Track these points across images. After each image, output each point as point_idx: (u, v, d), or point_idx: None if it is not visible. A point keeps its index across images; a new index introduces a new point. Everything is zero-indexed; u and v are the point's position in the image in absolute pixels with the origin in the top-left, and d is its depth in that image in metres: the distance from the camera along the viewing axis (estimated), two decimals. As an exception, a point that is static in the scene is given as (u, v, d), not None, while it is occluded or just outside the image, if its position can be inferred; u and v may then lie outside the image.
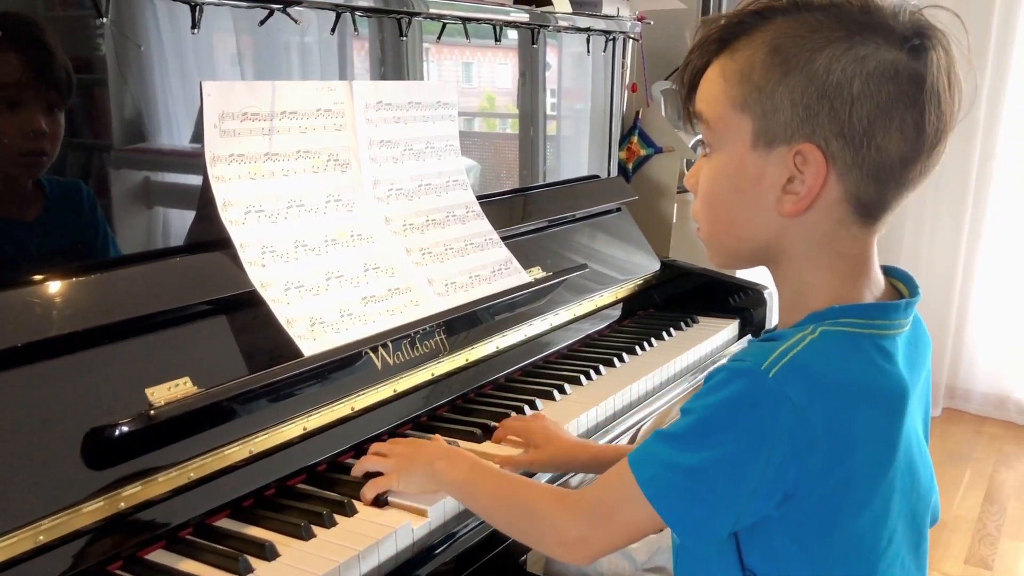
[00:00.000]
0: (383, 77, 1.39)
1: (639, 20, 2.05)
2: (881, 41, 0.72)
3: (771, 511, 0.75)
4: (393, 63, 1.41)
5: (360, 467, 1.09)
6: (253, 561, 0.91)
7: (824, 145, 0.73)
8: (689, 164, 2.29)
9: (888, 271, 0.84)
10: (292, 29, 1.22)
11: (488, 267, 1.44)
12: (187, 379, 1.01)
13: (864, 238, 0.79)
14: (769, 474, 0.73)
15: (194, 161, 1.12)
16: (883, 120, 0.72)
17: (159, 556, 0.94)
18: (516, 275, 1.47)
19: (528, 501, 0.92)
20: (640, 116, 2.23)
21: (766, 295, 1.85)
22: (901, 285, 0.84)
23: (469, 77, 1.64)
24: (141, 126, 1.08)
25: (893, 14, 0.73)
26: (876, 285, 0.81)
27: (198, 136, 1.12)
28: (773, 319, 1.89)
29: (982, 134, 3.24)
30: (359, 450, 1.18)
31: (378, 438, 1.21)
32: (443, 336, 1.34)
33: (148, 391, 0.97)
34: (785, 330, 0.79)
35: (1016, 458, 3.10)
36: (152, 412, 0.94)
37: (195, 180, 1.13)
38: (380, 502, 1.03)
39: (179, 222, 1.14)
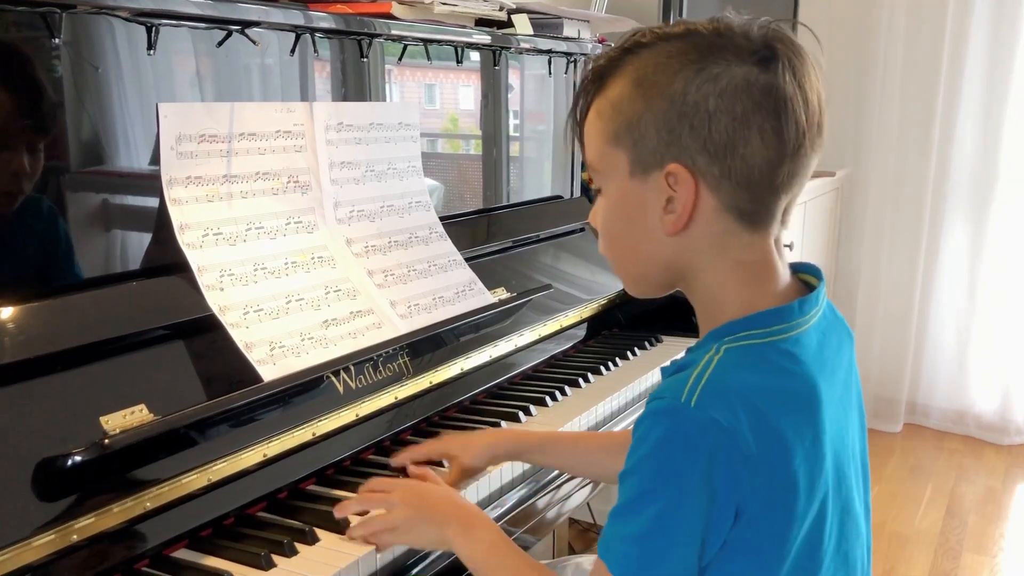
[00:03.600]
0: (344, 99, 1.38)
1: (600, 42, 2.07)
2: (732, 58, 0.76)
3: (727, 535, 0.75)
4: (355, 85, 1.40)
5: (356, 505, 1.03)
6: (212, 593, 0.89)
7: (691, 163, 0.77)
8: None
9: (798, 268, 0.86)
10: (251, 51, 1.21)
11: (452, 288, 1.43)
12: (143, 406, 0.99)
13: (759, 244, 0.81)
14: (716, 500, 0.73)
15: (152, 184, 1.10)
16: (742, 131, 0.76)
17: (113, 590, 0.91)
18: (480, 296, 1.46)
19: None
20: (602, 137, 2.24)
21: (729, 314, 1.85)
22: (812, 279, 0.86)
23: (432, 98, 1.63)
24: (98, 148, 1.06)
25: (743, 33, 0.78)
26: (781, 287, 0.83)
27: (156, 158, 1.10)
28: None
29: (936, 154, 3.30)
30: (320, 476, 1.17)
31: (340, 463, 1.19)
32: (407, 359, 1.32)
33: (103, 419, 0.95)
34: (688, 357, 0.81)
35: (975, 472, 3.14)
36: (106, 441, 0.91)
37: (154, 202, 1.11)
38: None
39: (136, 245, 1.12)
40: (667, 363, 0.90)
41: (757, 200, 0.79)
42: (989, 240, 3.30)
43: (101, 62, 1.05)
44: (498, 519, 1.15)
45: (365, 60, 1.39)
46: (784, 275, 0.83)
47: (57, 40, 0.98)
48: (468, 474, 1.16)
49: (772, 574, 0.77)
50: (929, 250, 3.38)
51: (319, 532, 1.01)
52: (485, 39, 1.63)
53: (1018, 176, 3.22)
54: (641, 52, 0.79)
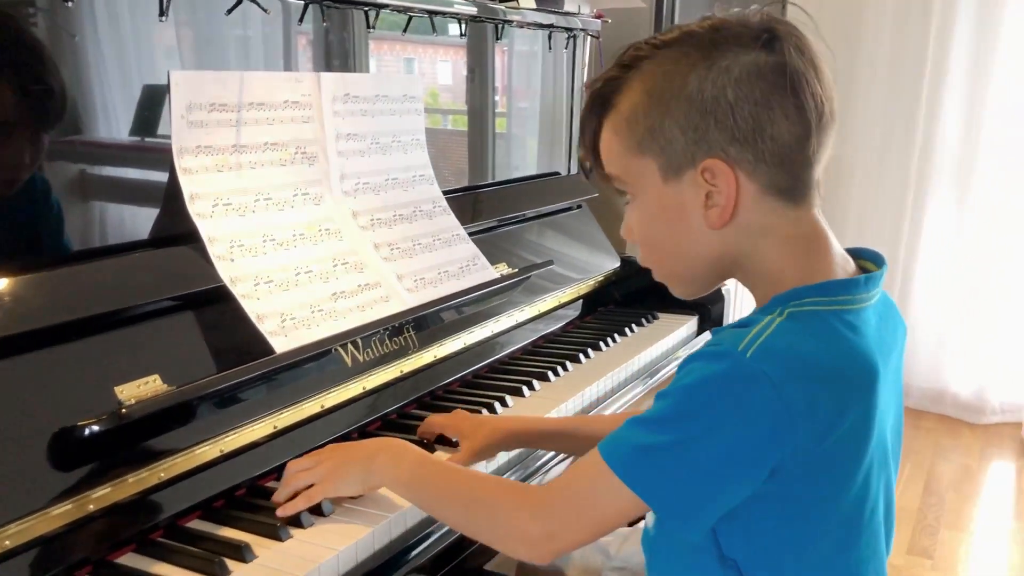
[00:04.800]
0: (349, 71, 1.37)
1: (598, 18, 2.06)
2: (737, 48, 0.78)
3: (756, 489, 0.76)
4: (359, 58, 1.39)
5: (286, 490, 1.00)
6: (230, 563, 0.89)
7: (724, 154, 0.78)
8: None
9: (857, 253, 0.87)
10: (234, 21, 1.17)
11: (456, 263, 1.43)
12: (156, 377, 0.98)
13: (804, 216, 0.82)
14: (753, 451, 0.74)
15: (161, 156, 1.09)
16: (766, 113, 0.77)
17: (130, 559, 0.91)
18: (484, 271, 1.46)
19: (485, 497, 0.90)
20: (598, 113, 2.24)
21: (723, 291, 1.87)
22: (870, 264, 0.87)
23: (436, 73, 1.62)
24: (109, 119, 1.05)
25: (740, 22, 0.80)
26: (839, 260, 0.84)
27: (159, 129, 1.08)
28: (731, 315, 1.91)
29: (921, 139, 3.33)
30: (329, 448, 1.16)
31: (347, 436, 1.19)
32: (412, 333, 1.32)
33: (117, 389, 0.94)
34: (752, 316, 0.81)
35: (952, 451, 3.20)
36: (123, 410, 0.91)
37: (162, 174, 1.09)
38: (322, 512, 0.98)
39: (144, 216, 1.10)
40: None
41: (794, 175, 0.80)
42: (970, 224, 3.33)
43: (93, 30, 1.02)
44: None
45: (372, 31, 1.38)
46: (839, 249, 0.84)
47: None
48: (480, 456, 1.14)
49: (805, 538, 0.78)
50: (911, 233, 3.42)
51: (333, 503, 1.01)
52: (490, 13, 1.62)
53: (999, 162, 3.25)
54: (642, 65, 0.81)
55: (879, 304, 0.84)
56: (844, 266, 0.83)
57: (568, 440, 1.17)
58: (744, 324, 0.79)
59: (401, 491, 0.97)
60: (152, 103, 1.09)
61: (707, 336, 1.81)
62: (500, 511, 0.88)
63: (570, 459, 1.29)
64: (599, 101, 0.84)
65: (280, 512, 0.97)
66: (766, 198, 0.80)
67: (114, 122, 1.06)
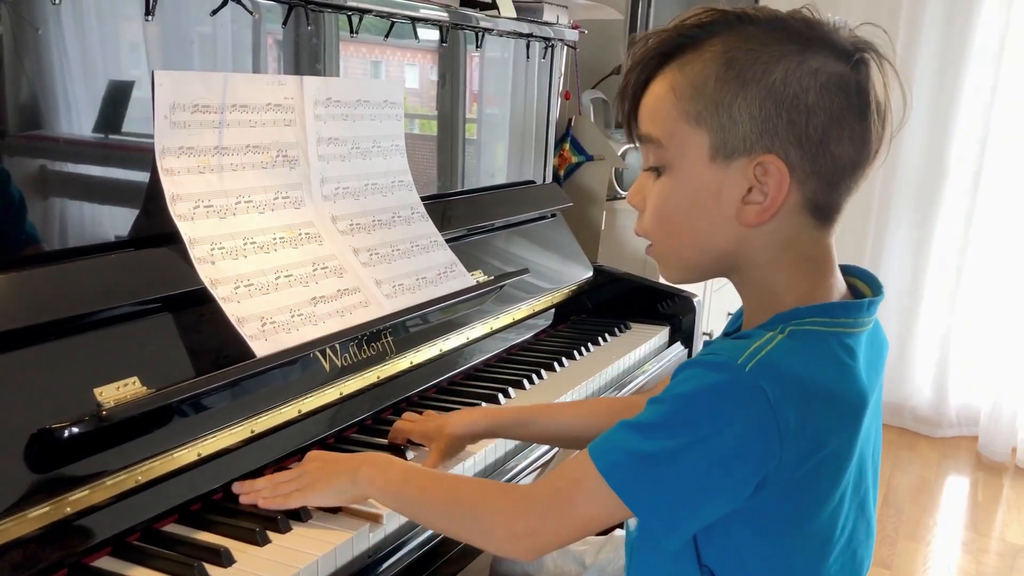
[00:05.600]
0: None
1: (573, 28, 2.08)
2: (829, 54, 0.76)
3: (742, 503, 0.76)
4: (330, 62, 1.39)
5: (259, 492, 1.00)
6: (208, 567, 0.88)
7: (784, 155, 0.76)
8: (618, 173, 2.33)
9: (848, 270, 0.87)
10: (210, 20, 1.15)
11: (434, 269, 1.43)
12: (136, 379, 0.97)
13: (823, 240, 0.82)
14: (742, 465, 0.74)
15: (143, 156, 1.08)
16: (836, 129, 0.76)
17: (106, 563, 0.90)
18: (462, 278, 1.46)
19: (471, 495, 0.90)
20: (573, 124, 2.26)
21: (695, 302, 1.89)
22: (861, 284, 0.87)
23: (411, 79, 1.62)
24: (93, 117, 1.04)
25: (835, 29, 0.77)
26: (839, 285, 0.84)
27: (142, 128, 1.08)
28: (702, 326, 1.94)
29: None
30: (305, 453, 1.16)
31: (324, 441, 1.19)
32: (389, 338, 1.32)
33: (96, 391, 0.93)
34: (753, 330, 0.80)
35: (910, 463, 3.26)
36: (103, 412, 0.90)
37: (143, 174, 1.09)
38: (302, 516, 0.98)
39: (123, 216, 1.09)
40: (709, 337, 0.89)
41: (835, 199, 0.79)
42: (933, 240, 3.40)
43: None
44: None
45: (355, 35, 1.38)
46: (839, 273, 0.84)
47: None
48: (448, 454, 1.15)
49: (780, 552, 0.79)
50: (874, 247, 3.48)
51: (312, 509, 1.00)
52: (469, 21, 1.63)
53: (964, 175, 3.32)
54: (723, 33, 0.77)
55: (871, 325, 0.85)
56: (839, 289, 0.83)
57: (527, 428, 1.16)
58: (743, 337, 0.79)
59: (387, 500, 0.97)
60: (135, 103, 1.08)
61: (678, 347, 1.83)
62: (484, 507, 0.87)
63: (552, 459, 1.30)
64: (664, 51, 0.79)
65: (261, 503, 0.97)
66: (802, 212, 0.79)
67: (96, 120, 1.05)
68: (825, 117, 0.75)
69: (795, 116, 0.75)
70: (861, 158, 0.78)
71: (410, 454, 1.16)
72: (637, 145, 0.85)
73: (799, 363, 0.76)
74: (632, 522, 0.91)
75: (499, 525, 0.85)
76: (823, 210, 0.79)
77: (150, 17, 1.05)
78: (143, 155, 1.08)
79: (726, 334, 0.89)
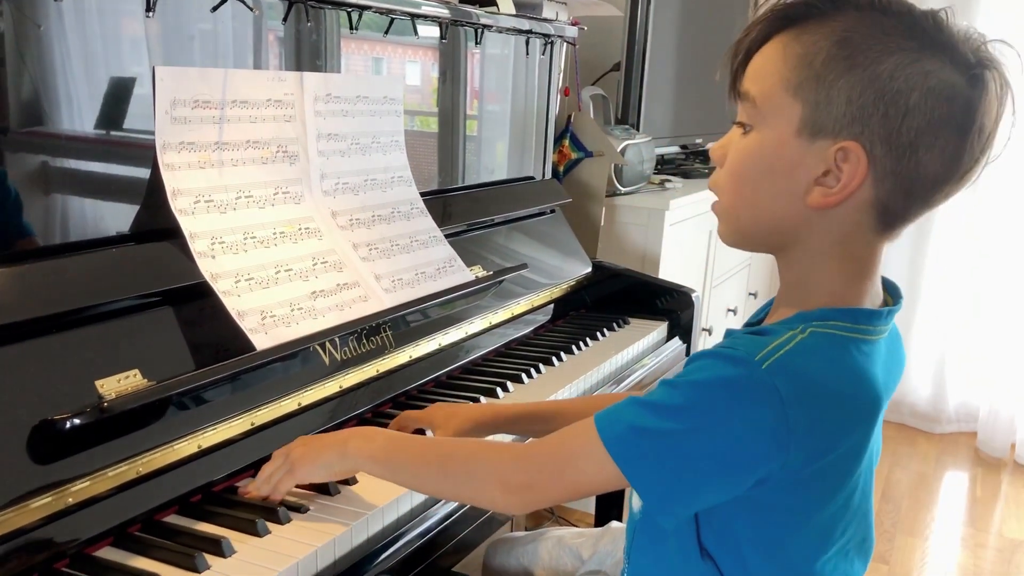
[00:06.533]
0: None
1: (573, 25, 2.08)
2: (947, 61, 0.74)
3: (742, 493, 0.77)
4: (332, 59, 1.40)
5: (261, 486, 1.00)
6: (208, 558, 0.89)
7: (869, 147, 0.75)
8: (618, 169, 2.34)
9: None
10: (210, 16, 1.16)
11: (433, 264, 1.44)
12: (137, 371, 0.98)
13: (877, 245, 0.81)
14: (745, 459, 0.74)
15: (143, 152, 1.09)
16: (929, 137, 0.74)
17: (108, 553, 0.91)
18: (460, 273, 1.47)
19: (465, 452, 0.90)
20: (572, 120, 2.27)
21: (693, 298, 1.90)
22: (886, 294, 0.86)
23: (408, 75, 1.63)
24: (94, 113, 1.05)
25: (963, 38, 0.75)
26: (876, 293, 0.83)
27: (142, 123, 1.09)
28: (701, 322, 1.94)
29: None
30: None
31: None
32: (389, 332, 1.33)
33: (98, 383, 0.94)
34: (774, 326, 0.80)
35: (909, 458, 3.27)
36: (105, 404, 0.91)
37: (144, 170, 1.10)
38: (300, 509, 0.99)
39: (125, 211, 1.10)
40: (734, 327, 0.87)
41: (908, 208, 0.78)
42: (931, 236, 3.41)
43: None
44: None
45: (354, 32, 1.39)
46: (879, 283, 0.84)
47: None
48: None
49: (777, 544, 0.80)
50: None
51: (310, 503, 1.01)
52: (469, 18, 1.64)
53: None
54: (848, 11, 0.76)
55: (889, 335, 0.84)
56: (873, 299, 0.83)
57: (540, 423, 1.16)
58: (763, 332, 0.79)
59: (377, 469, 0.96)
60: (136, 99, 1.09)
61: (676, 342, 1.84)
62: (480, 461, 0.88)
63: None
64: (789, 15, 0.78)
65: (244, 489, 0.99)
66: (869, 211, 0.78)
67: (98, 116, 1.06)
68: (922, 121, 0.73)
69: (892, 111, 0.73)
70: (948, 174, 0.76)
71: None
72: (732, 100, 0.84)
73: (816, 365, 0.76)
74: (636, 504, 0.91)
75: (494, 477, 0.86)
76: (891, 215, 0.79)
77: (151, 13, 1.06)
78: (144, 151, 1.09)
79: (748, 324, 0.90)
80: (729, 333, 0.84)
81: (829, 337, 0.78)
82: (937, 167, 0.76)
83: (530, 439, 1.10)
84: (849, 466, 0.80)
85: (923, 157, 0.75)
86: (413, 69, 1.62)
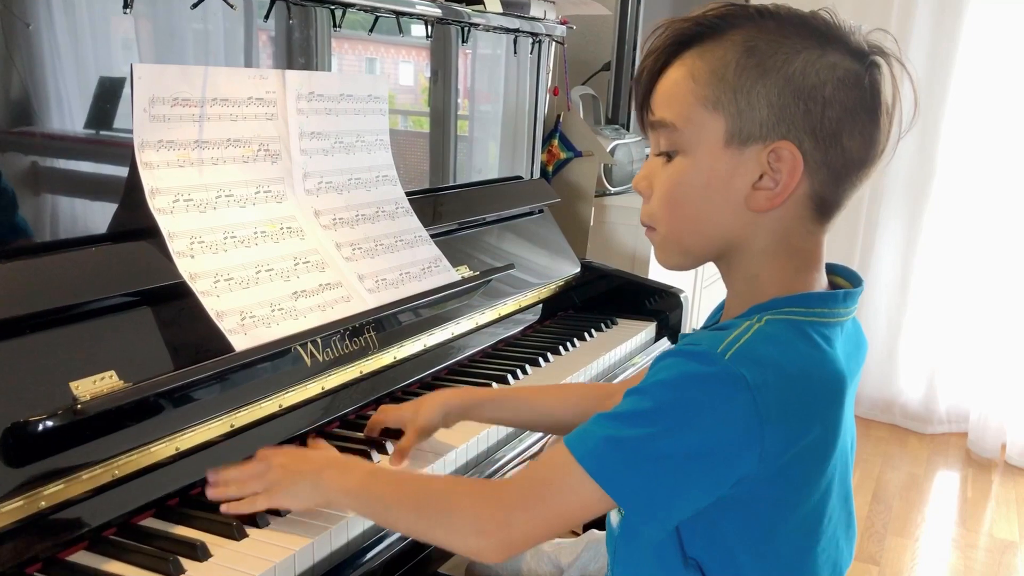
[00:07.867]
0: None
1: (562, 24, 2.08)
2: (845, 52, 0.78)
3: (725, 491, 0.76)
4: (321, 57, 1.38)
5: (227, 487, 0.96)
6: (184, 562, 0.88)
7: (798, 143, 0.77)
8: (607, 169, 2.33)
9: (830, 269, 0.88)
10: (195, 15, 1.15)
11: (418, 264, 1.43)
12: (113, 373, 0.97)
13: (817, 235, 0.83)
14: (723, 451, 0.74)
15: (121, 150, 1.07)
16: (849, 123, 0.78)
17: (81, 557, 0.89)
18: (446, 273, 1.46)
19: (438, 492, 0.86)
20: (561, 120, 2.26)
21: (682, 298, 1.89)
22: (842, 281, 0.88)
23: (398, 74, 1.62)
24: (79, 112, 1.03)
25: (851, 30, 0.80)
26: (821, 281, 0.85)
27: (119, 122, 1.07)
28: (689, 322, 1.94)
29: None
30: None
31: (305, 436, 1.18)
32: (372, 333, 1.32)
33: (72, 385, 0.93)
34: (731, 320, 0.81)
35: (900, 459, 3.26)
36: (79, 406, 0.89)
37: (122, 168, 1.08)
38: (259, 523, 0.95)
39: (103, 210, 1.09)
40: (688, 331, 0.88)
41: (839, 195, 0.81)
42: (923, 236, 3.40)
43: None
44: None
45: (338, 29, 1.37)
46: (823, 270, 0.85)
47: None
48: (423, 435, 1.13)
49: (767, 540, 0.80)
50: (864, 245, 3.48)
51: (290, 503, 1.00)
52: (455, 16, 1.63)
53: (953, 173, 3.33)
54: (744, 24, 0.79)
55: (849, 323, 0.85)
56: (821, 285, 0.85)
57: (503, 410, 1.15)
58: (721, 328, 0.80)
59: (351, 503, 0.93)
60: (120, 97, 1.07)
61: (665, 342, 1.83)
62: (454, 503, 0.84)
63: (539, 452, 1.29)
64: (682, 39, 0.81)
65: (224, 508, 0.95)
66: (806, 204, 0.80)
67: (79, 115, 1.04)
68: (840, 110, 0.77)
69: (812, 106, 0.76)
70: (869, 155, 0.80)
71: (390, 446, 1.16)
72: (646, 134, 0.86)
73: (777, 349, 0.76)
74: (615, 520, 0.90)
75: (468, 519, 0.82)
76: (826, 204, 0.81)
77: (128, 10, 1.05)
78: (122, 149, 1.08)
79: (705, 327, 0.90)
80: (685, 335, 0.85)
81: (786, 323, 0.79)
82: (860, 150, 0.79)
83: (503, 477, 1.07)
84: (825, 451, 0.80)
85: (847, 144, 0.78)
86: (400, 68, 1.60)
